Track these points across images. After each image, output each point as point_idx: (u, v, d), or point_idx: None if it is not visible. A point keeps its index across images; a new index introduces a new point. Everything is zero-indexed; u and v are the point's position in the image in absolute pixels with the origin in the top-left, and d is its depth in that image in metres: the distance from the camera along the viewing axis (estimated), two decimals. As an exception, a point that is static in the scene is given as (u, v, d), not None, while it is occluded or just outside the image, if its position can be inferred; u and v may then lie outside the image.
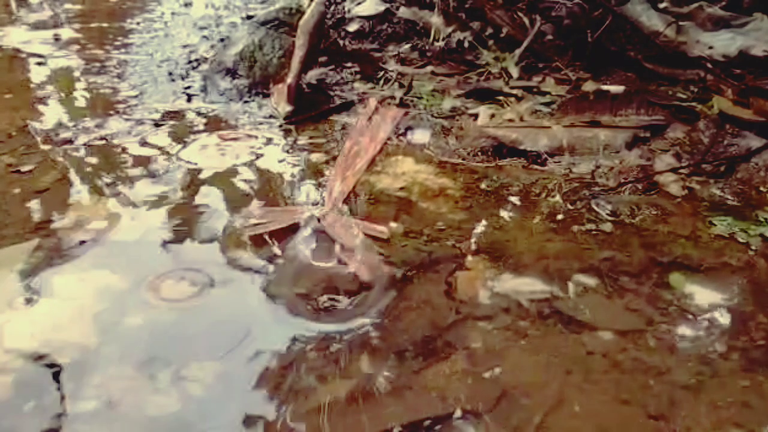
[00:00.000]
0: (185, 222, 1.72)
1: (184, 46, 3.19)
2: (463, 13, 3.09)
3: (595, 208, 1.83)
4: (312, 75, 2.73)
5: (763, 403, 1.20)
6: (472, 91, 2.61)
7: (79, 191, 1.84)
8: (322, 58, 2.87)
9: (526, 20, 2.96)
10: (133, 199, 1.81)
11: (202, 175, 1.96)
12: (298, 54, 2.51)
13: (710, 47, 2.81)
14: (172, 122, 2.34)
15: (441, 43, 3.00)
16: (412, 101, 2.52)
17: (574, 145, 2.16)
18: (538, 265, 1.57)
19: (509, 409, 1.17)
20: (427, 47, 3.02)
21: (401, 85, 2.65)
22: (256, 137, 2.25)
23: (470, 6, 3.09)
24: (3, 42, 3.22)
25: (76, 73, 2.83)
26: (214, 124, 2.35)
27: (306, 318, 1.39)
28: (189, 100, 2.56)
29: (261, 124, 2.37)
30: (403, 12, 3.20)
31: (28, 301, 1.41)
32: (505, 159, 2.11)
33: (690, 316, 1.42)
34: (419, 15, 3.16)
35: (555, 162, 2.10)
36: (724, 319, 1.41)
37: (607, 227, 1.73)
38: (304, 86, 2.57)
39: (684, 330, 1.38)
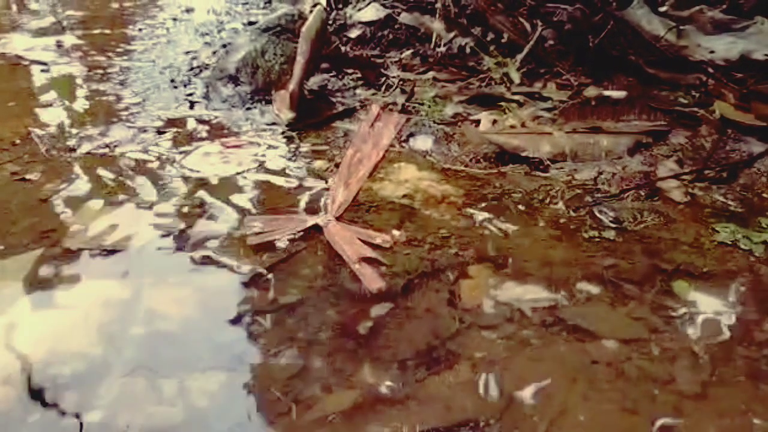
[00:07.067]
0: (188, 229, 1.72)
1: (187, 53, 3.20)
2: (465, 18, 3.10)
3: (598, 215, 1.83)
4: (314, 81, 2.74)
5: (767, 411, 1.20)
6: (473, 97, 2.61)
7: (83, 199, 1.85)
8: (324, 65, 2.87)
9: (527, 25, 2.96)
10: (135, 208, 1.82)
11: (205, 183, 1.96)
12: (300, 60, 2.52)
13: (711, 51, 2.81)
14: (174, 129, 2.34)
15: (442, 49, 3.01)
16: (414, 107, 2.52)
17: (577, 151, 2.16)
18: (541, 272, 1.57)
19: (513, 418, 1.17)
20: (428, 53, 3.03)
21: (403, 92, 2.66)
22: (259, 144, 2.25)
23: (471, 11, 3.09)
24: (6, 49, 3.23)
25: (79, 81, 2.83)
26: (216, 131, 2.35)
27: (311, 326, 1.39)
28: (191, 107, 2.57)
29: (263, 131, 2.37)
30: (405, 18, 3.20)
31: (33, 309, 1.42)
32: (507, 165, 2.12)
33: (694, 324, 1.42)
34: (421, 21, 3.17)
35: (557, 168, 2.10)
36: (728, 326, 1.41)
37: (610, 234, 1.73)
38: (307, 93, 2.58)
39: (688, 338, 1.38)
